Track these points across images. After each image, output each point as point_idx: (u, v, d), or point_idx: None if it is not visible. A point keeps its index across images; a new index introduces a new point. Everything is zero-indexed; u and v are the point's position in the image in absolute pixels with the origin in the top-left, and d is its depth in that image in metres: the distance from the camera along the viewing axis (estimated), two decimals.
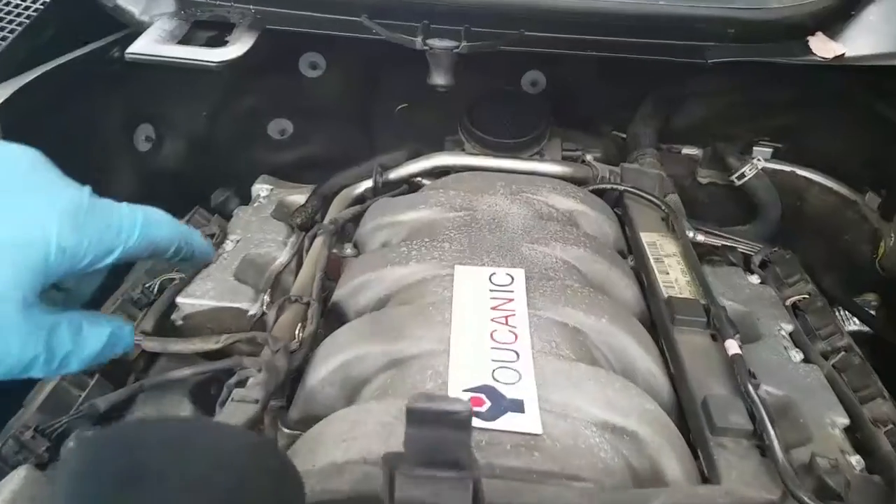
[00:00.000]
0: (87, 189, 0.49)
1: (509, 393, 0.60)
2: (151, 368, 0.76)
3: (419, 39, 0.84)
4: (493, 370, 0.63)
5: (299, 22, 0.89)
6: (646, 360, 0.74)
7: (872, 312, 1.13)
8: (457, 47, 0.84)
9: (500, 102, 1.14)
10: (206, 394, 0.74)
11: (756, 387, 0.72)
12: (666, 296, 0.83)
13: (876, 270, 1.11)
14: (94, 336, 0.50)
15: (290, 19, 0.90)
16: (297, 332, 0.76)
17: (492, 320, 0.70)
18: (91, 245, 0.47)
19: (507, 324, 0.70)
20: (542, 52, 0.95)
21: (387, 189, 1.03)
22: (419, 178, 1.05)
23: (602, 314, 0.74)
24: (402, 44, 0.84)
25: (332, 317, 0.82)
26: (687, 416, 0.71)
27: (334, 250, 0.92)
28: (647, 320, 0.85)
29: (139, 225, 0.51)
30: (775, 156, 1.22)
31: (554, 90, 1.24)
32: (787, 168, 1.20)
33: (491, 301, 0.73)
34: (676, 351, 0.76)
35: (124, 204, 0.52)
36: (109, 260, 0.50)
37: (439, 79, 0.87)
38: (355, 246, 0.93)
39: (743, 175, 1.18)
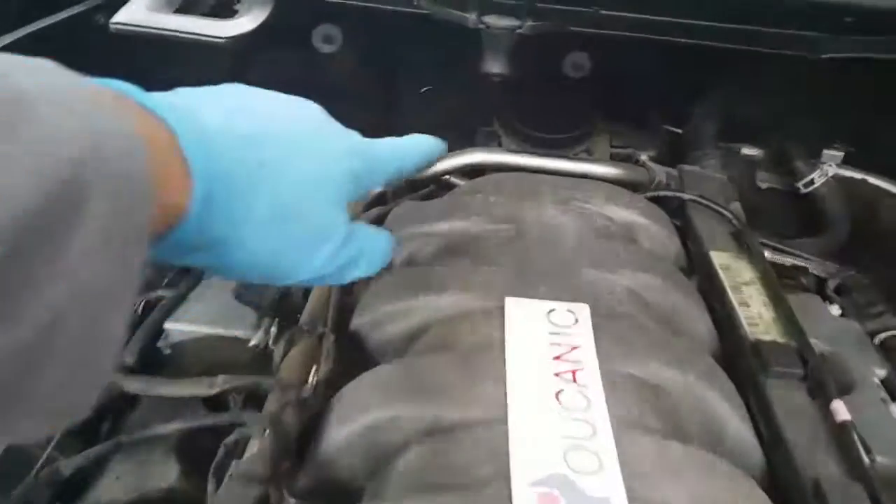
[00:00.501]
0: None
1: (590, 488, 0.47)
2: (131, 413, 0.62)
3: (473, 16, 0.68)
4: (566, 451, 0.49)
5: None
6: (736, 423, 0.60)
7: None
8: (520, 26, 0.69)
9: (542, 89, 0.99)
10: (195, 447, 0.60)
11: (872, 461, 0.59)
12: (752, 337, 0.70)
13: None
14: (382, 239, 0.56)
15: None
16: (310, 374, 0.62)
17: (556, 375, 0.56)
18: (368, 175, 0.53)
19: (575, 381, 0.56)
20: (595, 33, 0.80)
21: (410, 189, 0.88)
22: (449, 177, 0.90)
23: (689, 367, 0.60)
24: (452, 20, 0.69)
25: (351, 349, 0.68)
26: (789, 495, 0.58)
27: None
28: (720, 362, 0.72)
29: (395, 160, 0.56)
30: (845, 161, 1.08)
31: (600, 75, 1.09)
32: (858, 175, 1.07)
33: (552, 348, 0.59)
34: (771, 411, 0.63)
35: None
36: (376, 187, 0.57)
37: (496, 65, 0.72)
38: None
39: (811, 182, 1.04)
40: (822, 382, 0.64)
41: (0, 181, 0.23)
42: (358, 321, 0.67)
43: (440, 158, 0.61)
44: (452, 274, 0.67)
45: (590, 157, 0.96)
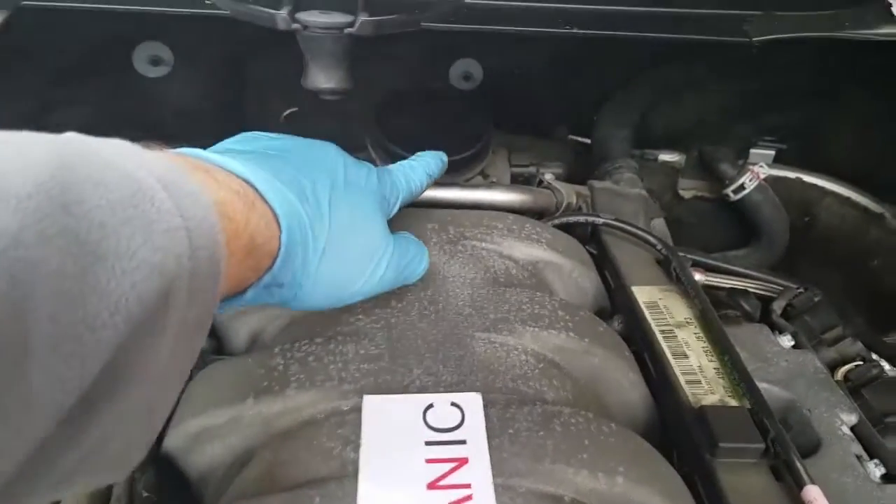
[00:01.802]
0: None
1: None
2: None
3: (283, 13, 0.51)
4: None
5: None
6: None
7: None
8: (351, 25, 0.52)
9: (423, 104, 0.82)
10: None
11: None
12: (693, 402, 0.55)
13: None
14: (414, 242, 0.58)
15: None
16: None
17: None
18: (391, 198, 0.56)
19: None
20: (481, 33, 0.65)
21: None
22: None
23: (615, 468, 0.44)
24: (255, 21, 0.52)
25: (166, 476, 0.49)
26: None
27: None
28: (656, 434, 0.57)
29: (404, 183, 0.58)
30: (776, 159, 0.96)
31: (493, 85, 0.93)
32: (792, 174, 0.94)
33: (429, 469, 0.42)
34: (724, 502, 0.48)
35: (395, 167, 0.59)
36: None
37: (323, 79, 0.55)
38: (212, 334, 0.60)
39: (742, 187, 0.91)
40: (789, 460, 0.49)
41: (124, 280, 0.24)
42: (170, 442, 0.48)
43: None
44: (295, 363, 0.49)
45: (485, 181, 0.79)
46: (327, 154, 0.52)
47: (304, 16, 0.51)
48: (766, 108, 0.90)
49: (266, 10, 0.51)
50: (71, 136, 0.28)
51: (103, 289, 0.24)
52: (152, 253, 0.26)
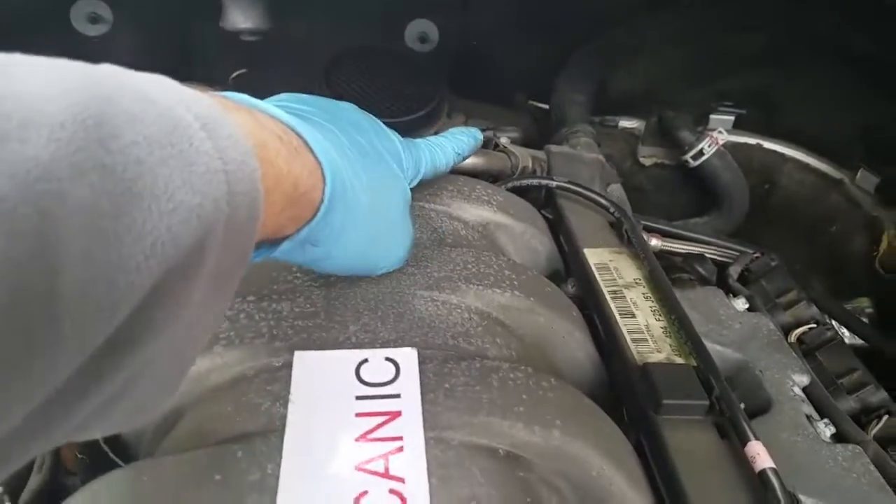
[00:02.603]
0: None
1: None
2: None
3: None
4: None
5: None
6: (623, 488, 0.44)
7: (866, 321, 0.88)
8: None
9: (376, 65, 0.80)
10: None
11: None
12: (639, 360, 0.54)
13: (871, 270, 0.86)
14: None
15: None
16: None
17: (359, 469, 0.38)
18: (413, 173, 0.56)
19: (387, 474, 0.38)
20: None
21: None
22: None
23: (552, 422, 0.43)
24: None
25: (96, 446, 0.47)
26: None
27: None
28: (603, 394, 0.56)
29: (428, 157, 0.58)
30: (736, 125, 0.95)
31: (450, 47, 0.91)
32: (752, 140, 0.94)
33: (358, 423, 0.40)
34: (667, 458, 0.47)
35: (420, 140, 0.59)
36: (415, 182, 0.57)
37: (239, 18, 0.52)
38: None
39: (701, 153, 0.90)
40: (734, 417, 0.48)
41: (159, 222, 0.23)
42: None
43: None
44: (226, 320, 0.47)
45: None
46: (357, 118, 0.52)
47: None
48: (723, 73, 0.89)
49: None
50: (108, 67, 0.26)
51: (139, 230, 0.23)
52: (191, 195, 0.25)
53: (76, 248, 0.21)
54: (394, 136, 0.54)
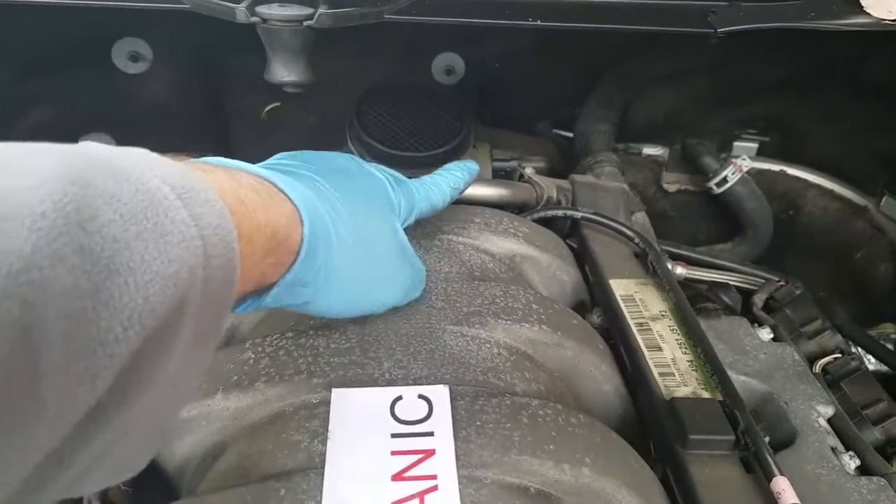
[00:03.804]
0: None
1: None
2: None
3: (242, 6, 0.51)
4: None
5: None
6: None
7: (891, 347, 0.88)
8: (310, 17, 0.52)
9: (405, 99, 0.82)
10: None
11: None
12: (666, 394, 0.55)
13: None
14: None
15: None
16: None
17: None
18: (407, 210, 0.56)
19: None
20: (461, 25, 0.65)
21: None
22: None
23: (581, 459, 0.44)
24: (215, 15, 0.52)
25: (144, 471, 0.49)
26: None
27: None
28: (632, 427, 0.57)
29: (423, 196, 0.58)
30: (760, 152, 0.96)
31: (475, 78, 0.93)
32: (776, 167, 0.94)
33: (394, 461, 0.42)
34: (695, 496, 0.48)
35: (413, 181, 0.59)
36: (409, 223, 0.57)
37: (284, 71, 0.55)
38: None
39: (725, 180, 0.91)
40: (759, 452, 0.49)
41: (137, 294, 0.24)
42: None
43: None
44: (266, 356, 0.49)
45: None
46: (346, 164, 0.53)
47: (263, 9, 0.51)
48: (745, 101, 0.90)
49: (226, 3, 0.51)
50: (84, 147, 0.27)
51: (116, 304, 0.24)
52: (166, 265, 0.26)
53: (57, 331, 0.22)
54: (385, 178, 0.55)
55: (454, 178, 0.61)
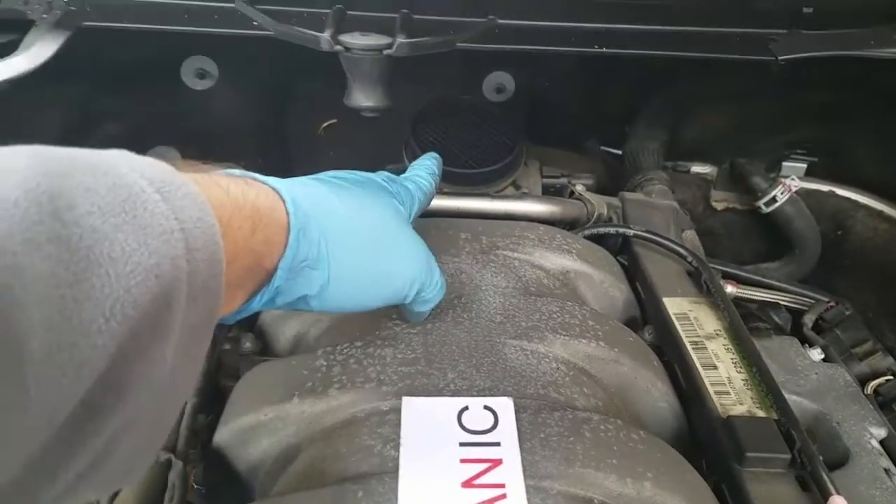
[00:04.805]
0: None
1: None
2: None
3: (326, 35, 0.53)
4: None
5: (137, 17, 0.58)
6: None
7: None
8: (389, 46, 0.54)
9: (457, 116, 0.84)
10: None
11: None
12: (723, 412, 0.56)
13: None
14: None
15: (120, 12, 0.58)
16: None
17: None
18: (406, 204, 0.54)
19: None
20: (517, 49, 0.67)
21: None
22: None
23: (643, 474, 0.46)
24: (300, 43, 0.54)
25: (218, 475, 0.52)
26: None
27: (226, 346, 0.62)
28: (685, 443, 0.58)
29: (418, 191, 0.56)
30: (808, 172, 0.96)
31: (525, 97, 0.95)
32: (825, 188, 0.95)
33: (463, 469, 0.44)
34: None
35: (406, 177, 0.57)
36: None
37: (363, 97, 0.57)
38: (258, 337, 0.63)
39: (773, 200, 0.91)
40: (815, 471, 0.50)
41: (117, 285, 0.24)
42: (219, 437, 0.51)
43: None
44: (337, 365, 0.52)
45: (517, 192, 0.81)
46: (350, 175, 0.53)
47: (346, 38, 0.54)
48: (794, 123, 0.90)
49: (310, 32, 0.54)
50: (60, 148, 0.27)
51: (97, 294, 0.24)
52: (147, 256, 0.26)
53: (38, 317, 0.22)
54: (377, 175, 0.55)
55: (427, 165, 0.60)
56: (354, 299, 0.47)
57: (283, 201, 0.41)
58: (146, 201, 0.27)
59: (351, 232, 0.45)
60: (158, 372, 0.28)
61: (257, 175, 0.42)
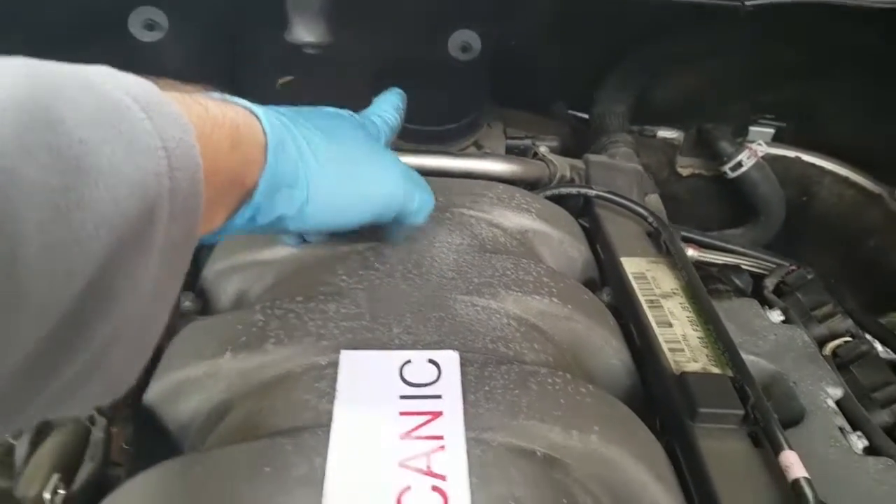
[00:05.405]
0: None
1: None
2: None
3: None
4: None
5: None
6: (656, 494, 0.45)
7: None
8: None
9: (419, 74, 0.81)
10: None
11: None
12: (676, 369, 0.55)
13: None
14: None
15: None
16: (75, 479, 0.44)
17: (402, 465, 0.39)
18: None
19: (429, 471, 0.39)
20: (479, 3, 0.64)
21: None
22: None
23: (590, 427, 0.44)
24: None
25: (148, 431, 0.50)
26: None
27: None
28: (638, 401, 0.56)
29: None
30: (775, 138, 0.95)
31: (491, 56, 0.92)
32: (791, 153, 0.93)
33: (402, 421, 0.42)
34: (702, 466, 0.48)
35: None
36: None
37: (304, 31, 0.55)
38: (199, 296, 0.60)
39: (739, 165, 0.90)
40: (768, 426, 0.49)
41: (106, 194, 0.25)
42: (149, 395, 0.48)
43: None
44: (276, 318, 0.49)
45: (478, 151, 0.79)
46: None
47: None
48: (763, 86, 0.89)
49: None
50: (48, 62, 0.28)
51: (87, 203, 0.25)
52: (133, 170, 0.27)
53: (32, 220, 0.23)
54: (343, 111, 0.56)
55: (391, 99, 0.61)
56: (334, 218, 0.49)
57: (260, 121, 0.42)
58: (132, 119, 0.28)
59: (327, 151, 0.47)
60: (143, 283, 0.29)
61: (236, 98, 0.43)
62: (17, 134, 0.23)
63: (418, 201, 0.54)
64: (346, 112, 0.55)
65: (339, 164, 0.47)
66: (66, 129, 0.25)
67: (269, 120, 0.43)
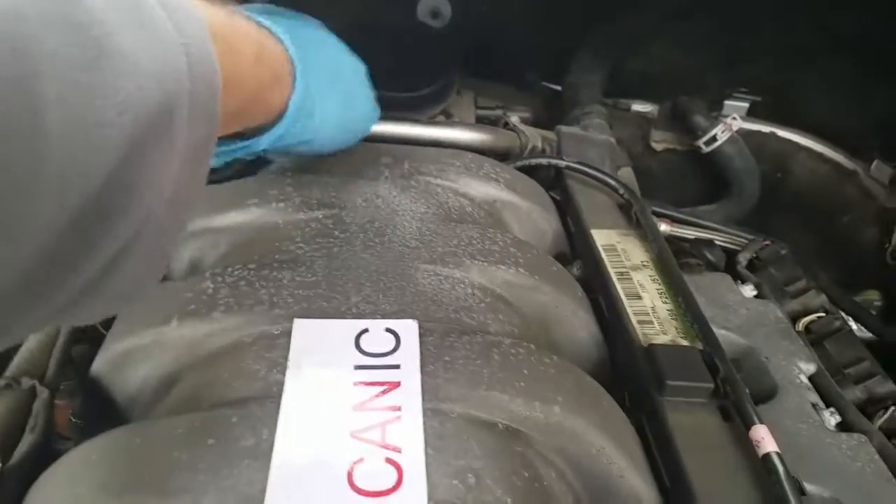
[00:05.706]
0: None
1: None
2: None
3: None
4: None
5: None
6: (623, 467, 0.43)
7: (874, 313, 0.87)
8: None
9: (387, 39, 0.79)
10: None
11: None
12: (644, 341, 0.53)
13: (882, 262, 0.85)
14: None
15: None
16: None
17: (355, 437, 0.37)
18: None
19: (384, 443, 0.37)
20: None
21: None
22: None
23: (553, 398, 0.42)
24: None
25: (96, 403, 0.47)
26: None
27: None
28: (607, 375, 0.55)
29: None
30: (750, 113, 0.93)
31: (463, 24, 0.90)
32: (766, 128, 0.92)
33: (357, 392, 0.40)
34: (670, 442, 0.46)
35: None
36: None
37: None
38: None
39: (714, 139, 0.89)
40: (739, 400, 0.47)
41: (129, 81, 0.24)
42: (96, 365, 0.46)
43: None
44: (226, 286, 0.47)
45: (448, 120, 0.77)
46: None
47: None
48: (740, 60, 0.87)
49: None
50: None
51: (110, 85, 0.23)
52: (154, 63, 0.26)
53: (53, 92, 0.21)
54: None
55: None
56: (331, 142, 0.57)
57: (285, 48, 0.46)
58: (152, 16, 0.27)
59: (335, 88, 0.53)
60: (164, 184, 0.28)
61: (259, 16, 0.45)
62: (41, 4, 0.22)
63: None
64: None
65: (339, 95, 0.54)
66: (87, 9, 0.23)
67: (293, 45, 0.46)
